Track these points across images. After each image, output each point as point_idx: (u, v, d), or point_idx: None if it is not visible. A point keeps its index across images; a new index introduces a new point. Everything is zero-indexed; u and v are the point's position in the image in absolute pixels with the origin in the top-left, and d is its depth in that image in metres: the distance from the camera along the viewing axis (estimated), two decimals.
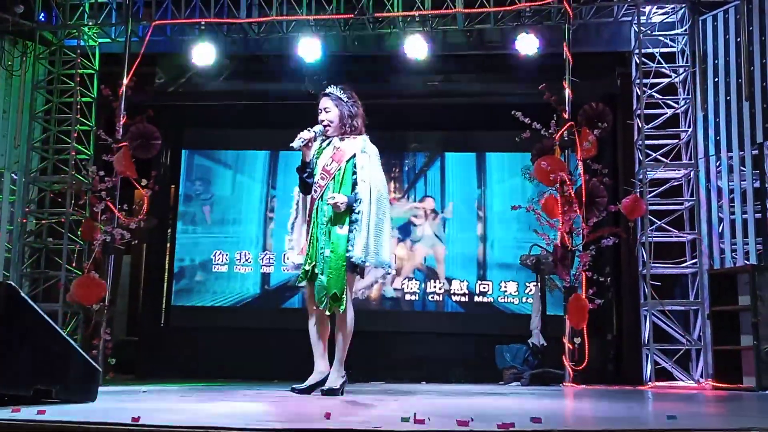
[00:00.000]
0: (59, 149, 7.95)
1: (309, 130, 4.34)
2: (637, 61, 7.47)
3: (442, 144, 9.39)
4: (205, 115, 9.24)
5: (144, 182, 7.28)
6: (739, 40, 7.02)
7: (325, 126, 4.41)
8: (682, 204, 7.38)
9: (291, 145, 4.31)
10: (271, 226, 9.22)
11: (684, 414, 3.04)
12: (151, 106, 7.65)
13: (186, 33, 8.01)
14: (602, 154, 7.53)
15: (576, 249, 6.78)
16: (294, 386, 4.35)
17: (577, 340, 6.63)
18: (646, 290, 7.03)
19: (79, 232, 7.61)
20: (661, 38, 7.64)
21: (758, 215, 6.74)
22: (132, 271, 10.01)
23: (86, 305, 7.10)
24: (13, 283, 3.09)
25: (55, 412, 2.40)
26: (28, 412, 2.41)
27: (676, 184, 7.45)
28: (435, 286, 8.91)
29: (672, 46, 7.64)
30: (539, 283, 7.37)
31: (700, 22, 7.39)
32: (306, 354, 4.44)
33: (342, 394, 4.25)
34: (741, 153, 6.95)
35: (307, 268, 4.28)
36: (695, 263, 7.18)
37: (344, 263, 4.18)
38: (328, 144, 4.44)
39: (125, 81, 7.52)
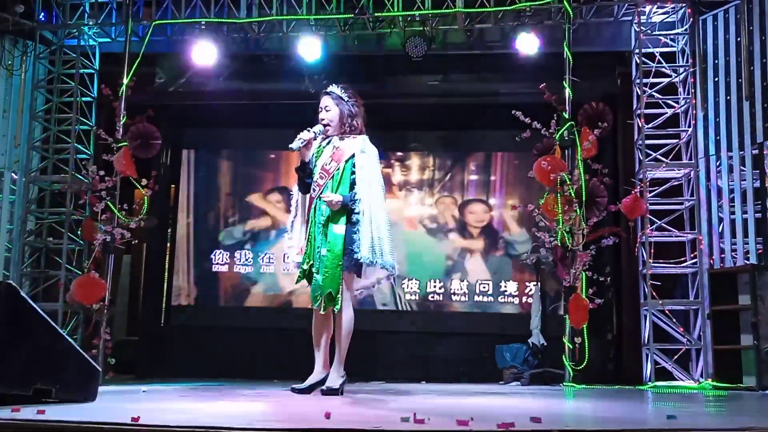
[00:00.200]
0: (59, 149, 7.95)
1: (309, 131, 4.34)
2: (638, 61, 7.47)
3: (442, 143, 9.38)
4: (206, 114, 9.23)
5: (144, 182, 7.28)
6: (739, 39, 7.02)
7: (325, 125, 4.41)
8: (682, 204, 7.38)
9: (290, 146, 4.30)
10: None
11: (684, 414, 3.05)
12: (151, 105, 7.65)
13: (186, 33, 8.01)
14: (602, 153, 7.53)
15: (576, 249, 6.78)
16: (294, 386, 4.36)
17: (578, 340, 6.63)
18: (646, 290, 7.03)
19: (79, 232, 7.62)
20: (661, 38, 7.64)
21: (758, 215, 6.74)
22: (132, 270, 10.01)
23: (86, 305, 7.10)
24: (13, 283, 3.09)
25: (55, 412, 2.40)
26: (27, 412, 2.41)
27: (676, 183, 7.45)
28: (435, 286, 8.90)
29: (672, 46, 7.64)
30: (539, 283, 7.37)
31: (701, 21, 7.38)
32: (306, 354, 4.45)
33: (342, 393, 4.25)
34: (741, 153, 6.94)
35: (305, 267, 4.29)
36: (695, 263, 7.18)
37: (340, 262, 4.18)
38: (328, 143, 4.44)
39: (125, 81, 7.52)
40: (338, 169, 4.34)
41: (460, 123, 9.11)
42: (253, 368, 8.04)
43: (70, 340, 3.29)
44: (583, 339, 6.64)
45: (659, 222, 7.27)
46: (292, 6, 7.76)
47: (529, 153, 7.28)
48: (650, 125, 7.44)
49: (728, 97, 7.11)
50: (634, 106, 7.51)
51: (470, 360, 8.26)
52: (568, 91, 7.11)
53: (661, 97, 7.53)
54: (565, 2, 7.22)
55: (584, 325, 6.62)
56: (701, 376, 6.89)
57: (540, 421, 2.34)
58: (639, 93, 7.39)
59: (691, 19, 7.43)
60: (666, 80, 7.53)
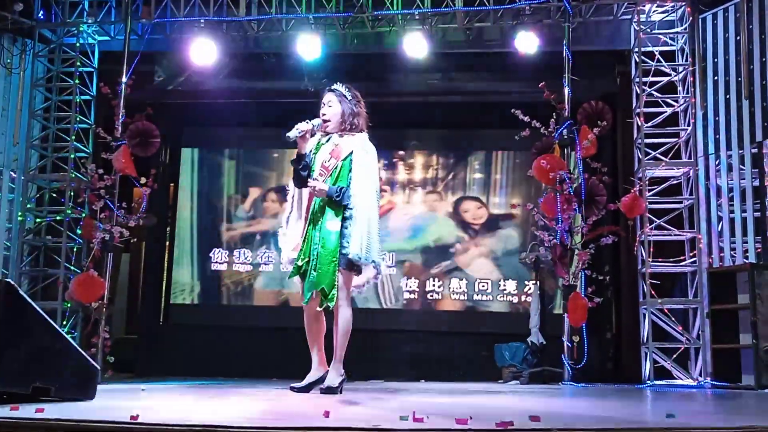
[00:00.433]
0: (58, 147, 7.94)
1: (307, 122, 4.35)
2: (637, 60, 7.47)
3: (441, 142, 9.38)
4: (205, 113, 9.23)
5: (143, 180, 7.27)
6: (738, 38, 7.01)
7: (325, 120, 4.42)
8: (681, 202, 7.38)
9: (286, 135, 4.29)
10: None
11: (683, 412, 3.05)
12: (150, 104, 7.64)
13: (185, 31, 8.00)
14: (602, 152, 7.52)
15: (575, 247, 6.78)
16: (292, 385, 4.36)
17: (575, 339, 6.62)
18: (645, 289, 7.03)
19: (78, 230, 7.61)
20: (660, 36, 7.63)
21: (757, 214, 6.73)
22: (131, 269, 10.01)
23: (85, 303, 7.10)
24: (11, 281, 3.09)
25: (54, 411, 2.40)
26: (26, 410, 2.41)
27: (675, 182, 7.45)
28: (434, 285, 8.90)
29: (672, 45, 7.63)
30: (538, 282, 7.37)
31: (700, 20, 7.38)
32: (305, 353, 4.44)
33: (341, 392, 4.25)
34: (740, 151, 6.94)
35: (300, 263, 4.28)
36: (694, 262, 7.18)
37: (334, 259, 4.18)
38: (328, 140, 4.44)
39: (124, 79, 7.51)
40: (337, 166, 4.35)
41: (460, 122, 9.10)
42: (253, 367, 8.03)
43: (69, 338, 3.29)
44: (582, 338, 6.64)
45: (658, 221, 7.27)
46: (291, 4, 7.76)
47: (529, 152, 7.27)
48: (649, 124, 7.44)
49: (728, 96, 7.11)
50: (634, 105, 7.50)
51: (469, 359, 8.26)
52: (567, 90, 7.11)
53: (660, 95, 7.53)
54: (564, 1, 7.22)
55: (583, 324, 6.62)
56: (700, 374, 6.90)
57: (539, 420, 2.33)
58: (638, 92, 7.39)
59: (691, 18, 7.43)
60: (665, 79, 7.53)
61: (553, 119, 6.99)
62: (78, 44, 8.00)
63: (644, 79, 7.41)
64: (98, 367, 3.41)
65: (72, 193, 7.71)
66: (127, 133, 7.33)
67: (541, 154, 6.91)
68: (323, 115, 4.43)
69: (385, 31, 7.83)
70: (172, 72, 8.72)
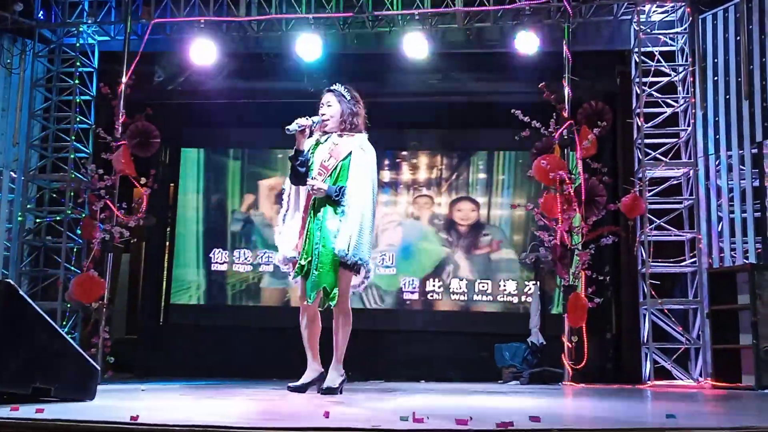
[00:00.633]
0: (58, 147, 7.94)
1: (307, 118, 4.36)
2: (637, 60, 7.47)
3: (441, 142, 9.38)
4: (205, 113, 9.22)
5: (143, 180, 7.27)
6: (738, 38, 7.01)
7: (324, 119, 4.42)
8: (681, 203, 7.38)
9: (287, 128, 4.30)
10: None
11: (683, 413, 3.04)
12: (150, 104, 7.64)
13: (185, 31, 8.00)
14: (602, 152, 7.53)
15: (575, 248, 6.78)
16: (290, 384, 4.36)
17: (574, 339, 6.62)
18: (646, 289, 7.03)
19: (78, 231, 7.61)
20: (660, 37, 7.64)
21: (757, 214, 6.73)
22: (131, 269, 10.00)
23: (85, 303, 7.10)
24: (11, 282, 3.09)
25: (54, 411, 2.40)
26: (26, 411, 2.41)
27: (675, 182, 7.45)
28: (434, 285, 8.90)
29: (672, 45, 7.64)
30: (539, 282, 7.37)
31: (700, 20, 7.38)
32: (305, 352, 4.44)
33: (341, 392, 4.25)
34: (740, 152, 6.94)
35: (303, 263, 4.28)
36: (694, 262, 7.18)
37: (335, 258, 4.19)
38: (326, 140, 4.45)
39: (124, 79, 7.51)
40: (336, 166, 4.35)
41: (460, 122, 9.10)
42: (253, 367, 8.03)
43: (68, 339, 3.29)
44: (581, 338, 6.64)
45: (658, 221, 7.27)
46: (291, 5, 7.76)
47: (529, 152, 7.27)
48: (649, 124, 7.44)
49: (727, 96, 7.11)
50: (634, 105, 7.50)
51: (469, 359, 8.26)
52: (567, 90, 7.11)
53: (660, 96, 7.53)
54: (564, 1, 7.22)
55: (582, 324, 6.62)
56: (700, 375, 6.90)
57: (539, 421, 2.33)
58: (638, 92, 7.39)
59: (691, 18, 7.43)
60: (665, 79, 7.53)
61: (553, 119, 6.99)
62: (78, 44, 8.00)
63: (644, 80, 7.41)
64: (98, 368, 3.41)
65: (72, 194, 7.71)
66: (127, 134, 7.33)
67: (540, 155, 6.91)
68: (322, 114, 4.44)
69: (385, 31, 7.83)
70: (172, 72, 8.72)
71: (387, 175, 9.16)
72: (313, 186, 4.26)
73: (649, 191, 7.27)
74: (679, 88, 7.52)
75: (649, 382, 6.79)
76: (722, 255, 7.00)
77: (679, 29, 7.59)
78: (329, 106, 4.45)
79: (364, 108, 4.53)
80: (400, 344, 8.65)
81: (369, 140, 4.48)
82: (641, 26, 7.45)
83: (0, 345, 2.88)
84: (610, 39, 8.04)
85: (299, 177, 4.39)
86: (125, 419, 2.15)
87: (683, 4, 7.46)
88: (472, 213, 9.05)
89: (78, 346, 3.35)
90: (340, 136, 4.43)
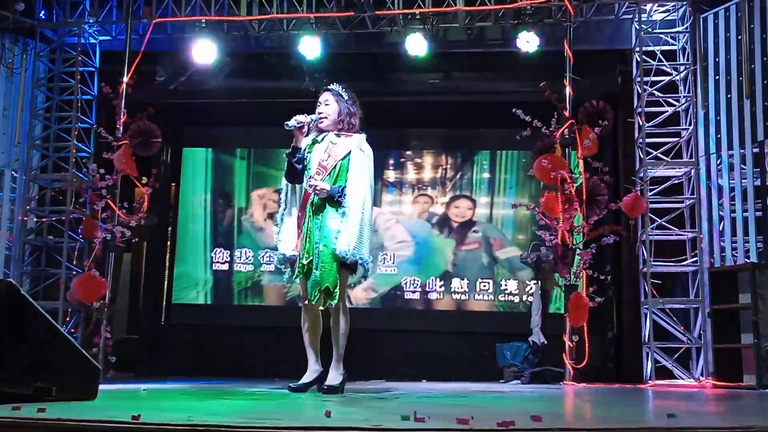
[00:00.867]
0: (59, 147, 7.95)
1: (306, 116, 4.37)
2: (638, 59, 7.46)
3: (442, 142, 9.38)
4: (206, 112, 9.24)
5: (144, 180, 7.28)
6: (740, 37, 7.01)
7: (321, 117, 4.43)
8: (682, 202, 7.38)
9: (285, 123, 4.31)
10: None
11: (684, 412, 3.04)
12: (151, 103, 7.64)
13: (186, 31, 8.01)
14: (603, 152, 7.53)
15: (576, 247, 6.78)
16: (290, 384, 4.36)
17: (575, 338, 6.62)
18: (647, 288, 7.03)
19: (79, 230, 7.61)
20: (662, 36, 7.63)
21: (759, 213, 6.73)
22: (132, 269, 10.01)
23: (87, 303, 7.10)
24: (13, 281, 3.09)
25: (56, 410, 2.40)
26: (28, 410, 2.41)
27: (676, 182, 7.45)
28: (436, 284, 8.90)
29: (673, 44, 7.63)
30: (540, 282, 7.37)
31: (701, 19, 7.37)
32: (306, 352, 4.44)
33: (342, 392, 4.25)
34: (742, 151, 6.94)
35: (305, 262, 4.28)
36: (696, 261, 7.18)
37: (336, 257, 4.19)
38: (323, 139, 4.45)
39: (126, 79, 7.51)
40: (336, 166, 4.35)
41: (461, 121, 9.10)
42: (254, 366, 8.04)
43: (70, 338, 3.29)
44: (582, 337, 6.63)
45: (660, 220, 7.27)
46: (292, 4, 7.76)
47: (530, 151, 7.27)
48: (651, 123, 7.44)
49: (729, 96, 7.10)
50: (635, 105, 7.50)
51: (470, 358, 8.26)
52: (568, 90, 7.11)
53: (661, 95, 7.53)
54: (565, 0, 7.22)
55: (584, 324, 6.62)
56: (701, 374, 6.90)
57: (540, 420, 2.33)
58: (639, 91, 7.39)
59: (692, 17, 7.42)
60: (667, 78, 7.53)
61: (554, 119, 6.99)
62: (79, 44, 8.00)
63: (645, 79, 7.40)
64: (99, 367, 3.41)
65: (73, 193, 7.71)
66: (128, 133, 7.33)
67: (541, 154, 6.91)
68: (320, 113, 4.44)
69: (386, 30, 7.83)
70: (173, 72, 8.72)
71: (388, 175, 9.16)
72: (315, 186, 4.26)
73: (651, 190, 7.27)
74: (681, 88, 7.52)
75: (650, 381, 6.78)
76: (723, 254, 7.00)
77: (680, 28, 7.59)
78: (327, 104, 4.46)
79: (359, 109, 4.54)
80: (400, 344, 8.66)
81: (367, 140, 4.49)
82: (642, 25, 7.44)
83: (1, 344, 2.88)
84: (612, 38, 8.03)
85: (296, 174, 4.39)
86: (126, 419, 2.15)
87: (684, 3, 7.46)
88: (468, 211, 9.05)
89: (79, 345, 3.35)
90: (338, 135, 4.43)
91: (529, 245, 8.14)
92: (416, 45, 7.67)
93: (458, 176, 9.20)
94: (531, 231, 8.29)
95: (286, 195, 4.54)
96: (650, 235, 7.11)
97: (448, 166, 9.25)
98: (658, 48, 7.56)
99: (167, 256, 9.26)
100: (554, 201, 6.81)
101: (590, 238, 6.84)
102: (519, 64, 7.88)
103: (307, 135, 4.44)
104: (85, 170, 7.66)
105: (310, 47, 7.76)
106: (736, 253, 6.87)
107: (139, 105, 7.54)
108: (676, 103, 7.51)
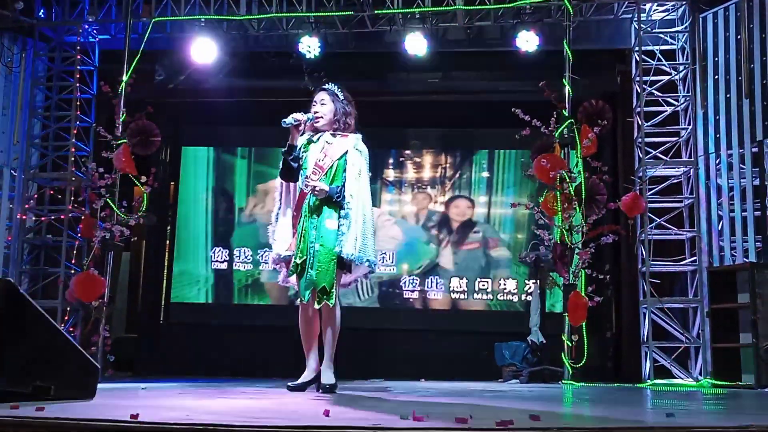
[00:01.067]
0: (58, 146, 7.95)
1: (303, 113, 4.37)
2: (638, 59, 7.47)
3: (442, 141, 9.38)
4: (205, 112, 9.23)
5: (143, 179, 7.28)
6: (739, 37, 7.01)
7: (317, 116, 4.43)
8: (681, 201, 7.38)
9: (282, 120, 4.31)
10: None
11: (683, 411, 3.05)
12: (150, 102, 7.64)
13: (186, 30, 8.01)
14: (602, 151, 7.53)
15: (575, 246, 6.78)
16: (289, 384, 4.36)
17: (574, 337, 6.62)
18: (646, 288, 7.03)
19: (78, 229, 7.61)
20: (661, 36, 7.64)
21: (758, 213, 6.73)
22: (131, 268, 10.01)
23: (85, 302, 7.10)
24: (11, 280, 3.09)
25: (54, 409, 2.40)
26: (26, 409, 2.41)
27: (675, 181, 7.45)
28: (434, 283, 8.90)
29: (672, 44, 7.63)
30: (539, 281, 7.37)
31: (701, 19, 7.38)
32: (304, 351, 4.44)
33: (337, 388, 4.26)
34: (741, 150, 6.94)
35: (298, 261, 4.28)
36: (694, 261, 7.18)
37: (333, 257, 4.19)
38: (318, 139, 4.44)
39: (125, 78, 7.51)
40: (332, 166, 4.35)
41: (460, 120, 9.10)
42: (253, 366, 8.04)
43: (69, 337, 3.29)
44: (582, 337, 6.63)
45: (659, 220, 7.27)
46: (291, 3, 7.77)
47: (529, 151, 7.27)
48: (650, 123, 7.44)
49: (728, 95, 7.10)
50: (634, 104, 7.50)
51: (469, 358, 8.26)
52: (567, 89, 7.11)
53: (660, 94, 7.53)
54: (565, 0, 7.22)
55: (583, 323, 6.62)
56: (700, 374, 6.90)
57: (539, 419, 2.33)
58: (639, 91, 7.39)
59: (691, 17, 7.43)
60: (666, 78, 7.53)
61: (553, 118, 6.99)
62: (78, 43, 8.00)
63: (645, 78, 7.41)
64: (98, 366, 3.41)
65: (72, 192, 7.71)
66: (127, 132, 7.33)
67: (540, 154, 6.91)
68: (315, 112, 4.44)
69: (385, 30, 7.83)
70: (172, 71, 8.71)
71: (387, 174, 9.16)
72: (314, 187, 4.25)
73: (650, 190, 7.27)
74: (680, 87, 7.53)
75: (648, 380, 6.79)
76: (722, 254, 7.00)
77: (679, 28, 7.59)
78: (323, 104, 4.46)
79: (355, 109, 4.54)
80: (399, 343, 8.66)
81: (363, 140, 4.49)
82: (642, 25, 7.45)
83: (0, 344, 2.88)
84: (611, 38, 8.04)
85: (291, 172, 4.39)
86: (125, 417, 2.15)
87: (684, 2, 7.47)
88: (468, 210, 9.05)
89: (78, 344, 3.35)
90: (333, 135, 4.43)
91: (527, 245, 8.14)
92: (415, 44, 7.68)
93: (457, 175, 9.20)
94: (530, 230, 8.29)
95: (281, 194, 4.54)
96: (649, 234, 7.11)
97: (447, 165, 9.25)
98: (657, 47, 7.57)
99: (166, 255, 9.25)
100: (553, 200, 6.81)
101: (589, 237, 6.84)
102: (518, 64, 7.88)
103: (302, 134, 4.44)
104: (84, 169, 7.66)
105: (310, 46, 7.76)
106: (735, 252, 6.87)
107: (138, 104, 7.53)
108: (676, 103, 7.52)
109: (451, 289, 8.87)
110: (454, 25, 7.87)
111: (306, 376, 4.36)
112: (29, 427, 2.12)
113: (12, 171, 7.89)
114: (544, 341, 7.08)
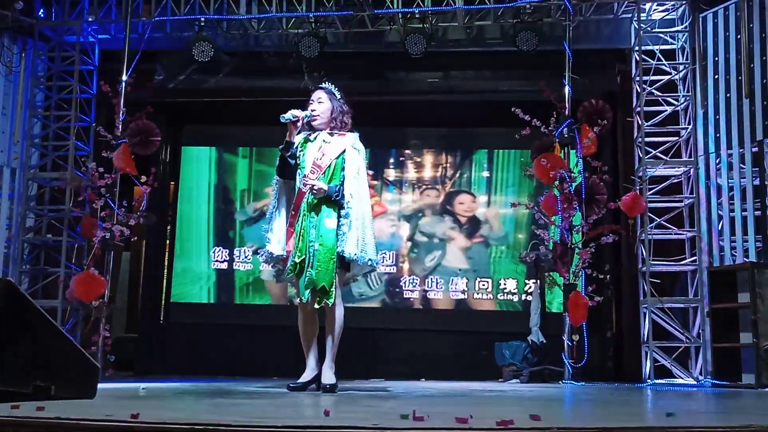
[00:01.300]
0: (58, 145, 7.95)
1: (301, 110, 4.38)
2: (637, 58, 7.47)
3: (441, 141, 9.38)
4: (205, 111, 9.23)
5: (143, 179, 7.28)
6: (739, 37, 7.01)
7: (314, 115, 4.43)
8: (681, 201, 7.38)
9: (281, 116, 4.31)
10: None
11: (683, 411, 3.05)
12: (150, 102, 7.64)
13: (185, 29, 8.01)
14: (602, 151, 7.53)
15: (576, 246, 6.78)
16: (290, 383, 4.37)
17: (575, 337, 6.62)
18: (646, 287, 7.03)
19: (78, 229, 7.61)
20: (661, 35, 7.63)
21: (758, 212, 6.73)
22: (131, 267, 10.01)
23: (86, 302, 7.10)
24: (11, 280, 3.09)
25: (54, 409, 2.40)
26: (27, 409, 2.41)
27: (675, 181, 7.45)
28: (435, 282, 8.90)
29: (672, 43, 7.63)
30: (539, 281, 7.37)
31: (701, 19, 7.38)
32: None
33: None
34: (741, 150, 6.94)
35: (297, 261, 4.27)
36: (695, 260, 7.18)
37: (333, 256, 4.19)
38: (315, 138, 4.45)
39: (125, 77, 7.51)
40: (330, 164, 4.35)
41: (460, 120, 9.10)
42: (253, 365, 8.03)
43: (69, 337, 3.29)
44: (581, 336, 6.63)
45: (659, 219, 7.27)
46: (291, 3, 7.77)
47: (529, 150, 7.27)
48: (650, 123, 7.44)
49: (728, 95, 7.10)
50: (634, 104, 7.50)
51: (469, 357, 8.27)
52: (567, 89, 7.11)
53: (660, 94, 7.53)
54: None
55: (583, 323, 6.62)
56: (700, 373, 6.90)
57: (539, 419, 2.33)
58: (639, 90, 7.39)
59: (691, 17, 7.43)
60: (666, 78, 7.53)
61: (553, 118, 6.99)
62: (78, 42, 8.00)
63: (645, 78, 7.41)
64: (99, 366, 3.40)
65: (72, 192, 7.71)
66: (127, 132, 7.33)
67: (540, 153, 6.91)
68: (312, 110, 4.45)
69: (385, 29, 7.83)
70: (172, 70, 8.72)
71: (388, 173, 9.16)
72: (313, 186, 4.25)
73: (650, 190, 7.27)
74: (680, 87, 7.52)
75: (649, 380, 6.79)
76: (722, 253, 7.00)
77: (679, 27, 7.59)
78: (320, 102, 4.47)
79: (351, 109, 4.55)
80: (399, 342, 8.65)
81: (361, 139, 4.49)
82: (642, 24, 7.45)
83: (0, 343, 2.88)
84: (611, 37, 8.04)
85: (289, 169, 4.39)
86: (125, 417, 2.15)
87: (684, 2, 7.47)
88: (472, 204, 9.05)
89: (78, 344, 3.34)
90: (331, 134, 4.44)
91: (527, 244, 8.14)
92: (415, 44, 7.67)
93: (457, 175, 9.20)
94: (530, 230, 8.29)
95: (277, 193, 4.54)
96: (649, 234, 7.11)
97: (447, 164, 9.24)
98: (657, 47, 7.57)
99: (166, 255, 9.25)
100: (553, 200, 6.81)
101: (589, 237, 6.84)
102: (518, 63, 7.88)
103: (299, 132, 4.44)
104: (84, 169, 7.66)
105: (309, 46, 7.75)
106: (735, 252, 6.87)
107: (138, 103, 7.54)
108: (676, 103, 7.52)
109: (451, 288, 8.87)
110: (453, 25, 7.87)
111: (306, 375, 4.36)
112: (29, 427, 2.12)
113: (12, 170, 7.89)
114: (545, 341, 7.08)
